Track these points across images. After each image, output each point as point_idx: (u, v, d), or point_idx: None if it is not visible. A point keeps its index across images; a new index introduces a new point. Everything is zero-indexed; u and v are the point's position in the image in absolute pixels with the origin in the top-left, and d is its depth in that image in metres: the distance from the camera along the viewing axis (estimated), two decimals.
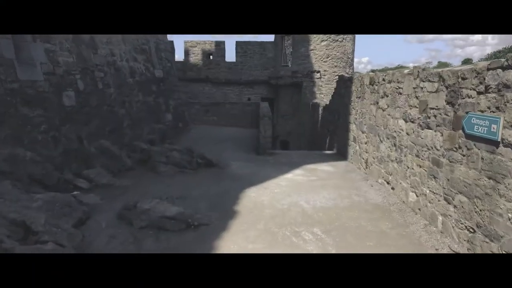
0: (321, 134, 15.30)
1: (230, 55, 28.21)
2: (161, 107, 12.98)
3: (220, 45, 24.83)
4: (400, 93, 6.74)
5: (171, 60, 14.82)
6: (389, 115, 7.28)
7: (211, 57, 25.20)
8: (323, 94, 22.75)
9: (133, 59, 11.39)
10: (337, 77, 24.09)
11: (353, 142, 9.89)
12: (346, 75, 24.23)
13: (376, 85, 7.99)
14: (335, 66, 23.53)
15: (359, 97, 9.31)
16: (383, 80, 7.63)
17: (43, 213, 5.09)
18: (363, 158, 8.88)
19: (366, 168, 8.62)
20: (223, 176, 8.54)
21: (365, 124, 8.74)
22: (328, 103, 14.49)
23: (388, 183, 7.31)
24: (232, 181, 8.03)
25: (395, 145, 6.97)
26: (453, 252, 4.65)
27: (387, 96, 7.39)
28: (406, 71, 6.66)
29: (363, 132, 8.92)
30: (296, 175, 8.75)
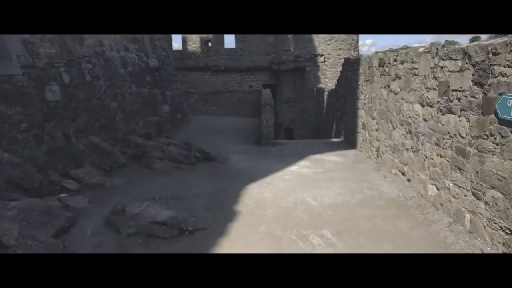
0: (326, 120, 14.61)
1: (229, 42, 27.42)
2: (157, 98, 12.33)
3: None
4: (415, 74, 6.02)
5: (166, 49, 14.11)
6: (402, 99, 6.58)
7: (209, 44, 24.40)
8: (328, 79, 21.94)
9: (125, 48, 10.70)
10: (342, 60, 23.20)
11: (362, 129, 9.21)
12: (351, 57, 23.44)
13: (387, 66, 7.27)
14: (340, 49, 22.64)
15: (368, 80, 8.60)
16: (395, 60, 6.91)
17: (17, 224, 4.52)
18: (373, 147, 8.21)
19: (378, 157, 7.96)
20: (223, 171, 7.92)
21: (375, 110, 8.05)
22: (333, 87, 13.76)
23: (403, 174, 6.65)
24: (232, 177, 7.41)
25: (410, 132, 6.29)
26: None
27: (400, 78, 6.68)
28: (421, 49, 5.93)
29: (373, 118, 8.23)
30: (301, 167, 8.11)
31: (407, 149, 6.43)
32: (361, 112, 9.23)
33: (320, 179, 7.14)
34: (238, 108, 18.01)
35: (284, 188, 6.66)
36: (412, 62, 6.13)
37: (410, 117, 6.27)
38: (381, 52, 8.81)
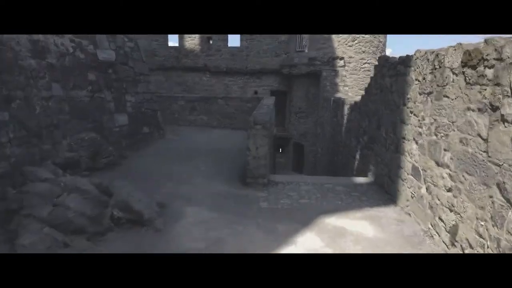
0: (346, 143, 10.75)
1: (234, 39, 23.77)
2: (107, 106, 8.69)
3: None
4: None
5: (135, 39, 10.50)
6: None
7: (211, 41, 20.81)
8: (348, 87, 18.07)
9: None
10: (365, 65, 19.31)
11: (411, 176, 5.36)
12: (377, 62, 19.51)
13: (487, 67, 3.43)
14: (363, 52, 18.79)
15: (429, 94, 4.77)
16: (509, 57, 3.09)
17: None
18: (441, 220, 4.34)
19: (452, 244, 4.08)
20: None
21: (447, 150, 4.21)
22: (357, 99, 9.92)
23: None
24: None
25: None
26: None
27: None
28: None
29: (440, 165, 4.38)
30: (306, 250, 4.30)
31: None
32: (411, 146, 5.39)
33: None
34: (234, 120, 14.31)
35: None
36: None
37: None
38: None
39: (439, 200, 4.40)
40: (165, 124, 13.37)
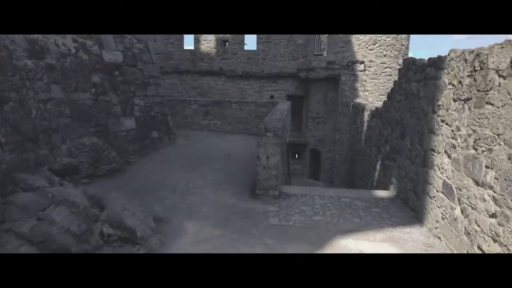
0: (366, 152, 10.06)
1: (250, 42, 23.26)
2: (113, 109, 8.27)
3: None
4: None
5: (144, 40, 10.10)
6: None
7: (226, 44, 20.38)
8: (368, 92, 17.33)
9: None
10: (386, 70, 18.47)
11: (442, 194, 4.68)
12: (399, 66, 18.66)
13: None
14: (384, 56, 18.03)
15: (466, 100, 4.11)
16: None
17: None
18: (482, 251, 3.66)
19: None
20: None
21: (491, 168, 3.53)
22: (379, 106, 9.24)
23: None
24: None
25: None
26: None
27: None
28: None
29: (481, 185, 3.70)
30: None
31: None
32: (442, 160, 4.72)
33: None
34: (248, 125, 13.76)
35: None
36: None
37: None
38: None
39: (478, 226, 3.72)
40: (177, 128, 12.95)
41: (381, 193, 6.86)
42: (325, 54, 18.28)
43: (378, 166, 8.39)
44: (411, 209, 5.83)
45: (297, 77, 19.29)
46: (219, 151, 10.33)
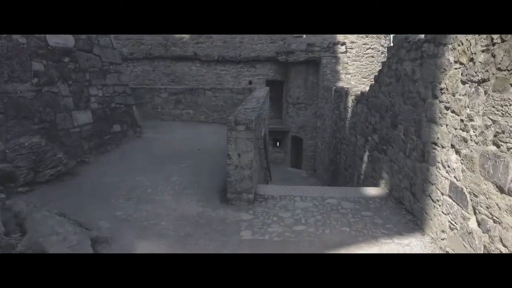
0: (351, 140, 9.22)
1: None
2: (62, 102, 7.12)
3: None
4: None
5: None
6: None
7: None
8: (350, 75, 16.48)
9: None
10: (368, 51, 17.71)
11: (449, 199, 3.83)
12: (381, 47, 17.82)
13: None
14: (366, 36, 17.19)
15: (480, 82, 3.23)
16: None
17: None
18: None
19: None
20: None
21: None
22: (364, 90, 8.37)
23: None
24: None
25: None
26: None
27: None
28: None
29: (507, 192, 2.85)
30: None
31: None
32: (447, 157, 3.87)
33: None
34: (223, 113, 12.72)
35: None
36: None
37: None
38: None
39: (503, 245, 2.88)
40: (146, 120, 11.86)
41: (371, 191, 6.01)
42: (304, 36, 17.30)
43: (365, 158, 7.56)
44: (407, 212, 5.01)
45: (276, 61, 18.28)
46: (190, 144, 9.32)
